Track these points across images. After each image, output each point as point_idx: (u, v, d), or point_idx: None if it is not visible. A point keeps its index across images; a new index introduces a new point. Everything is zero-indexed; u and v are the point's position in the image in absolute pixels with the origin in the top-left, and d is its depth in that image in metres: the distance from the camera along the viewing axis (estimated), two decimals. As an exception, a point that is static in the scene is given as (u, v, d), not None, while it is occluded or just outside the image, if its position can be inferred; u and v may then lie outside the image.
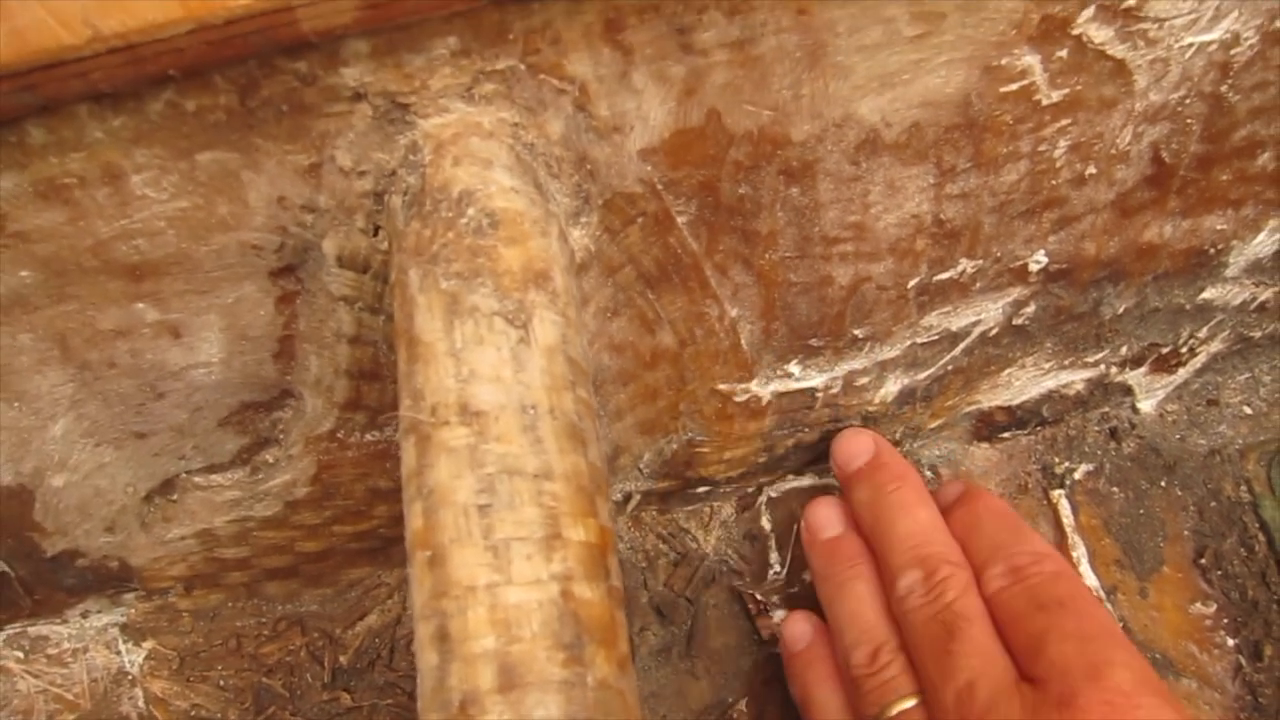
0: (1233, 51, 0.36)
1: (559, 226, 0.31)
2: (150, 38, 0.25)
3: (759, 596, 0.48)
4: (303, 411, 0.39)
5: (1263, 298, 0.48)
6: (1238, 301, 0.48)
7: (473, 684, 0.24)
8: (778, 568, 0.49)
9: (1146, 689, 0.34)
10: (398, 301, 0.29)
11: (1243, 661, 0.47)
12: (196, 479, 0.41)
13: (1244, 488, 0.51)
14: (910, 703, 0.38)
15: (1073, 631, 0.36)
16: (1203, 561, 0.49)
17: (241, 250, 0.32)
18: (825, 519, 0.45)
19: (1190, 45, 0.36)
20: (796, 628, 0.45)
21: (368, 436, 0.40)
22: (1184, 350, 0.50)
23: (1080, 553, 0.49)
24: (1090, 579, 0.48)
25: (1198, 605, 0.49)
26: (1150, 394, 0.52)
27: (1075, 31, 0.34)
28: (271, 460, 0.41)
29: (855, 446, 0.46)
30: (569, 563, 0.25)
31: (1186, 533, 0.50)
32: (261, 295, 0.34)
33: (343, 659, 0.45)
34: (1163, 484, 0.51)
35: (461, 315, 0.27)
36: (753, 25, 0.30)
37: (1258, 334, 0.51)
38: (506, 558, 0.25)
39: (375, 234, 0.32)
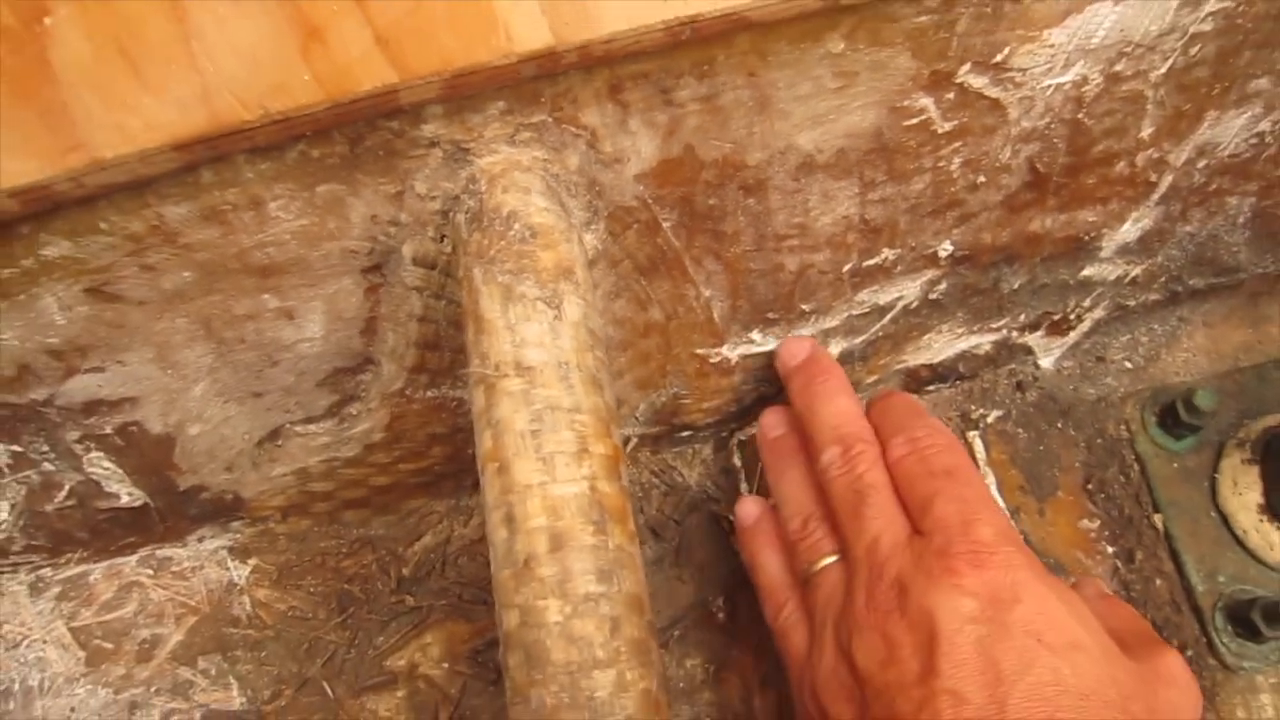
0: (1084, 89, 0.43)
1: (578, 234, 0.40)
2: (300, 113, 0.33)
3: (731, 518, 0.55)
4: (380, 374, 0.47)
5: (1134, 274, 0.56)
6: (1113, 277, 0.56)
7: (532, 548, 0.34)
8: (747, 495, 0.57)
9: (1004, 540, 0.40)
10: (466, 291, 0.38)
11: (1119, 565, 0.57)
12: (297, 428, 0.49)
13: (1124, 427, 0.60)
14: (833, 559, 0.44)
15: (954, 496, 0.42)
16: (1090, 487, 0.59)
17: (343, 254, 0.41)
18: (774, 422, 0.52)
19: (1049, 86, 0.43)
20: (746, 507, 0.52)
21: (429, 393, 0.48)
22: (1072, 317, 0.58)
23: (990, 481, 0.58)
24: (998, 502, 0.58)
25: (1085, 521, 0.58)
26: (1048, 353, 0.61)
27: (958, 80, 0.41)
28: (355, 413, 0.49)
29: (796, 347, 0.51)
30: (594, 467, 0.35)
31: (1077, 464, 0.59)
32: (354, 286, 0.42)
33: (405, 571, 0.55)
34: (1059, 426, 0.60)
35: (514, 300, 0.37)
36: (716, 85, 0.38)
37: (1133, 303, 0.59)
38: (552, 465, 0.35)
39: (441, 240, 0.40)
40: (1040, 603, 0.39)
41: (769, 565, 0.49)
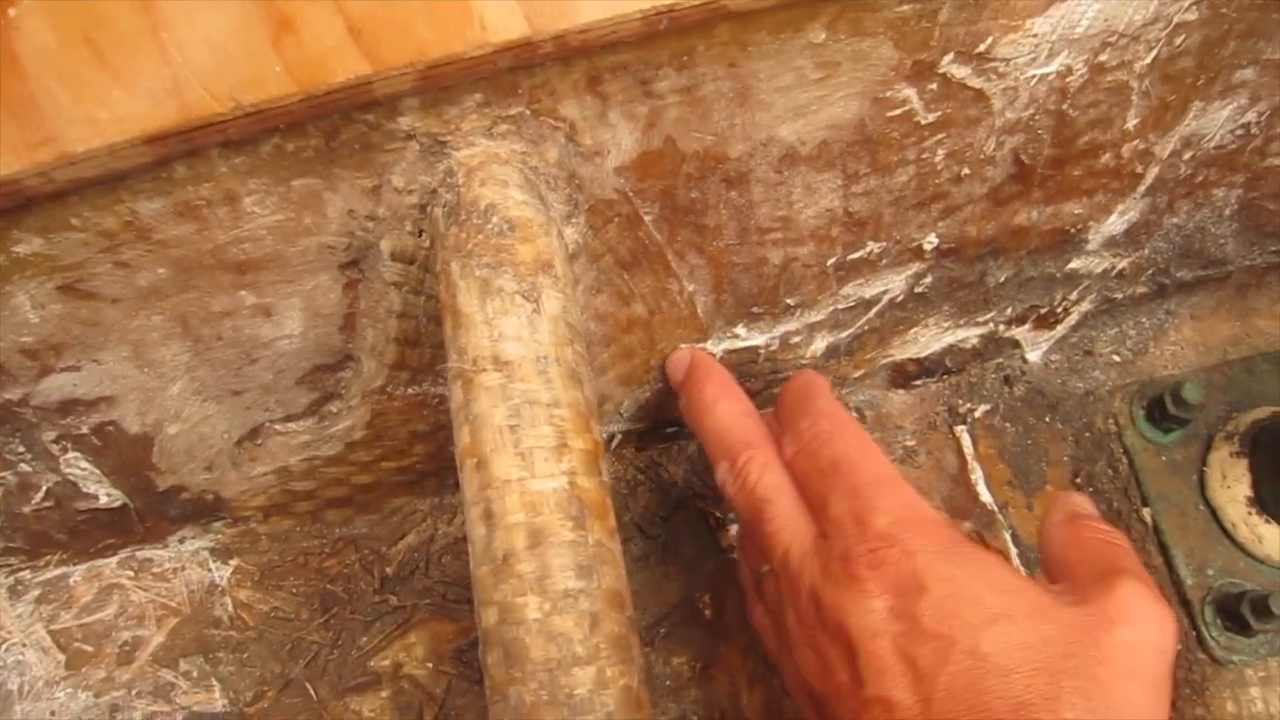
0: (1068, 79, 0.43)
1: (557, 227, 0.40)
2: (273, 105, 0.33)
3: (718, 514, 0.57)
4: (360, 371, 0.47)
5: (1120, 266, 0.56)
6: (1100, 270, 0.56)
7: (511, 544, 0.34)
8: None
9: (900, 526, 0.38)
10: (443, 285, 0.38)
11: (1108, 559, 0.58)
12: (277, 426, 0.49)
13: (1112, 421, 0.60)
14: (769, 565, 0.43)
15: (845, 490, 0.40)
16: (1078, 480, 0.59)
17: (320, 250, 0.40)
18: None
19: (1033, 76, 0.43)
20: None
21: (410, 390, 0.48)
22: (1059, 310, 0.58)
23: (978, 476, 0.58)
24: (986, 497, 0.58)
25: (1073, 516, 0.59)
26: (1035, 347, 0.61)
27: (941, 71, 0.41)
28: (335, 410, 0.49)
29: (677, 363, 0.50)
30: (573, 462, 0.35)
31: (1065, 458, 0.60)
32: (332, 282, 0.42)
33: (388, 570, 0.55)
34: (1047, 420, 0.61)
35: (491, 294, 0.36)
36: (696, 76, 0.38)
37: (1120, 296, 0.59)
38: (531, 460, 0.34)
39: (419, 235, 0.40)
40: (947, 585, 0.37)
41: (744, 570, 0.50)
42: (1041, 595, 0.38)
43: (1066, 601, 0.38)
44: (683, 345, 0.51)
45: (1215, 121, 0.49)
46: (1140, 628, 0.37)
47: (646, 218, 0.44)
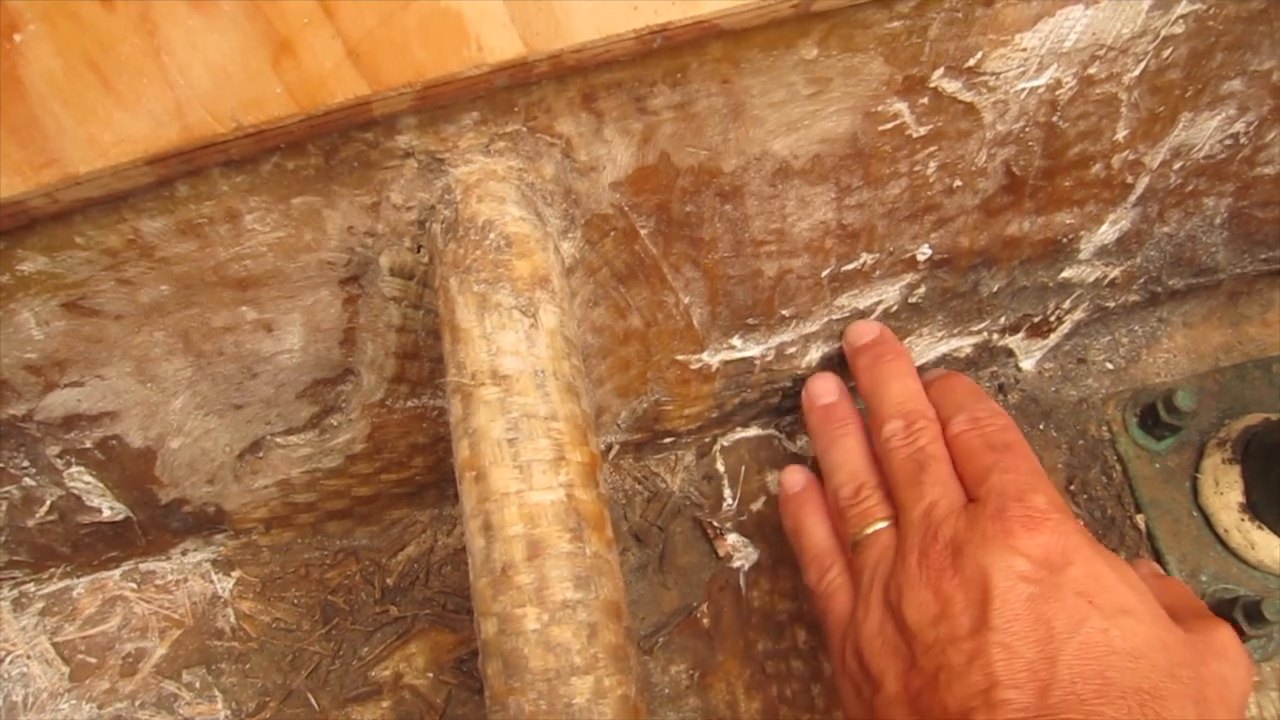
0: (1058, 92, 0.44)
1: (553, 242, 0.41)
2: (273, 126, 0.34)
3: (715, 524, 0.57)
4: (360, 385, 0.47)
5: (1112, 275, 0.56)
6: (1092, 279, 0.56)
7: (509, 556, 0.34)
8: (730, 501, 0.58)
9: (1055, 509, 0.42)
10: (442, 301, 0.38)
11: (1102, 565, 0.58)
12: (278, 440, 0.49)
13: (1105, 428, 0.60)
14: (884, 524, 0.46)
15: (1010, 467, 0.43)
16: (1072, 488, 0.59)
17: (320, 266, 0.41)
18: (824, 388, 0.53)
19: (1023, 89, 0.43)
20: (793, 475, 0.53)
21: (409, 403, 0.48)
22: (1053, 319, 0.59)
23: None
24: None
25: (1068, 522, 0.59)
26: (1029, 355, 0.61)
27: (932, 85, 0.41)
28: (336, 424, 0.49)
29: (865, 328, 0.53)
30: (571, 475, 0.35)
31: (1060, 465, 0.60)
32: (332, 298, 0.43)
33: (389, 580, 0.55)
34: (1041, 427, 0.61)
35: (489, 309, 0.37)
36: (690, 92, 0.38)
37: (1112, 304, 0.59)
38: (529, 473, 0.35)
39: (418, 251, 0.41)
40: (1091, 567, 0.40)
41: (815, 531, 0.50)
42: (1161, 610, 0.41)
43: (1179, 626, 0.41)
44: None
45: (1204, 132, 0.49)
46: (1236, 667, 0.40)
47: (642, 231, 0.44)
